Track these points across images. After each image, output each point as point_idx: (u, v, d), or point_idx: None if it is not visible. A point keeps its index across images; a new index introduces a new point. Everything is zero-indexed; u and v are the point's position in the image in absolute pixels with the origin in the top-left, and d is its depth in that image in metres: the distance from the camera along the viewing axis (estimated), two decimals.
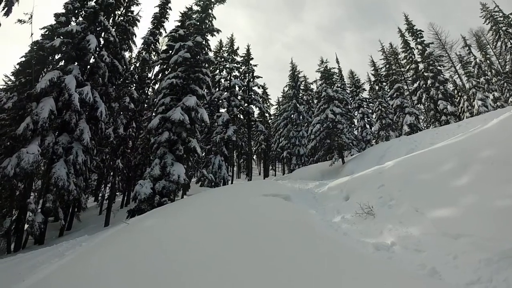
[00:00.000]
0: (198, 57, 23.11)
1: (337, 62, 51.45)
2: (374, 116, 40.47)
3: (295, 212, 9.68)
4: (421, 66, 37.68)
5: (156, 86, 27.71)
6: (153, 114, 22.61)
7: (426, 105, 37.05)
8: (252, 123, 37.49)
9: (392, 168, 10.84)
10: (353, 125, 40.12)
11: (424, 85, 36.67)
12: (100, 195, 31.72)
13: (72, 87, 19.06)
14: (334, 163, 27.55)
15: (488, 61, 41.92)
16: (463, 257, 5.47)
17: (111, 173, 26.65)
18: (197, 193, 17.84)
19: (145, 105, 30.51)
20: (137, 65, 30.84)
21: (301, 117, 46.73)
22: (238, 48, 40.75)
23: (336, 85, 39.19)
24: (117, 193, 32.30)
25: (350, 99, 43.48)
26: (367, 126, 41.58)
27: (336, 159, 27.53)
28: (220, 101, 35.59)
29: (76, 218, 24.48)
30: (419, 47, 38.77)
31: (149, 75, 31.07)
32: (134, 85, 29.49)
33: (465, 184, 7.56)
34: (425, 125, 39.30)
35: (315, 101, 33.05)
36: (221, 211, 9.35)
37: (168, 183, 19.02)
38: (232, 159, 41.89)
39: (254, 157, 61.75)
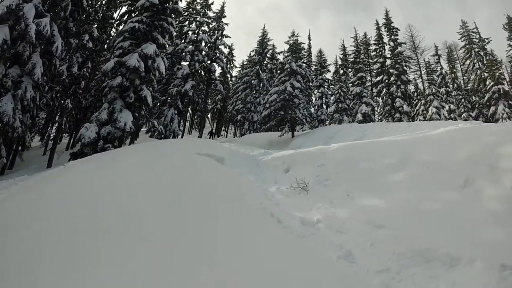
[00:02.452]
0: (167, 5, 22.16)
1: (309, 38, 51.30)
2: (332, 98, 41.06)
3: (226, 174, 9.68)
4: (388, 62, 38.39)
5: (120, 28, 26.43)
6: (112, 56, 21.60)
7: (384, 99, 38.06)
8: (212, 81, 36.70)
9: (336, 150, 11.10)
10: (310, 102, 40.44)
11: (386, 80, 37.49)
12: (46, 135, 30.28)
13: (30, 16, 17.53)
14: (284, 135, 27.92)
15: (453, 75, 43.42)
16: (379, 246, 5.75)
17: (59, 113, 25.48)
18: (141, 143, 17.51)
19: (105, 46, 29.15)
20: (103, 2, 29.10)
21: (261, 84, 46.56)
22: (212, 3, 39.19)
23: (302, 60, 39.25)
24: (64, 135, 31.08)
25: (313, 77, 43.64)
26: (324, 106, 42.14)
27: (286, 132, 27.87)
28: (184, 54, 34.37)
29: (19, 157, 23.37)
30: (392, 44, 39.40)
31: (115, 15, 29.47)
32: (97, 23, 27.86)
33: (399, 180, 7.99)
34: (378, 118, 40.46)
35: (278, 71, 32.94)
36: (145, 166, 9.02)
37: (114, 129, 18.44)
38: (186, 114, 41.17)
39: (209, 115, 61.21)
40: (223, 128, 59.46)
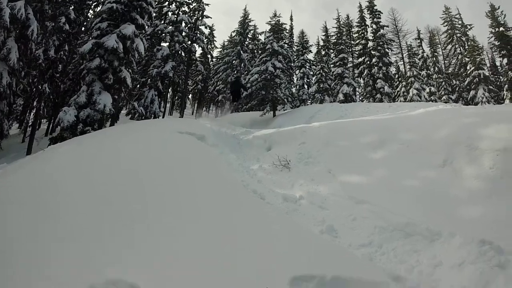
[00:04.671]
0: None
1: (291, 19, 51.26)
2: (314, 78, 41.14)
3: (207, 153, 9.64)
4: (370, 44, 38.52)
5: (98, 9, 25.62)
6: (90, 38, 21.02)
7: (365, 80, 38.35)
8: (193, 62, 36.11)
9: (317, 129, 11.19)
10: (292, 83, 40.46)
11: (368, 62, 37.71)
12: (25, 121, 29.49)
13: (4, 0, 16.95)
14: (265, 114, 28.01)
15: (434, 58, 43.86)
16: (361, 221, 5.90)
17: (37, 98, 24.83)
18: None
19: (83, 28, 28.32)
20: None
21: (242, 64, 46.27)
22: None
23: (284, 41, 39.04)
24: (43, 120, 30.30)
25: (295, 57, 43.57)
26: (305, 86, 42.18)
27: (268, 111, 27.95)
28: (164, 35, 33.58)
29: None
30: (374, 26, 39.45)
31: None
32: (73, 5, 26.83)
33: (379, 158, 8.18)
34: (360, 98, 40.79)
35: (260, 52, 32.76)
36: (128, 143, 8.92)
37: (93, 112, 18.09)
38: (167, 95, 40.54)
39: (190, 96, 60.54)
40: (204, 109, 59.08)
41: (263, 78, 28.29)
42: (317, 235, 5.34)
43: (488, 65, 42.98)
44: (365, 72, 37.87)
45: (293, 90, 39.34)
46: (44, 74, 24.53)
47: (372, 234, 5.47)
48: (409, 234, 5.29)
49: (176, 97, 49.67)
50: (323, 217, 6.19)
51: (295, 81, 43.07)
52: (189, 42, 35.08)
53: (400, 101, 36.30)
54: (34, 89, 24.28)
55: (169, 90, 40.31)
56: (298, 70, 43.09)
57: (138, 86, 31.51)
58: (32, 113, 28.11)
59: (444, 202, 6.18)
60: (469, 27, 42.52)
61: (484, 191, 6.36)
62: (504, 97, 34.33)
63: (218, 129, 13.99)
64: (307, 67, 43.06)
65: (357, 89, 39.96)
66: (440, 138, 8.07)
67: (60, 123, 17.73)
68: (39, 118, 26.23)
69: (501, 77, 39.89)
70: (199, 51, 40.06)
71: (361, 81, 40.41)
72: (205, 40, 37.76)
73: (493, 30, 37.03)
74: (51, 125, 28.46)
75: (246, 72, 43.09)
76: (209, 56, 50.62)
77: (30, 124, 26.77)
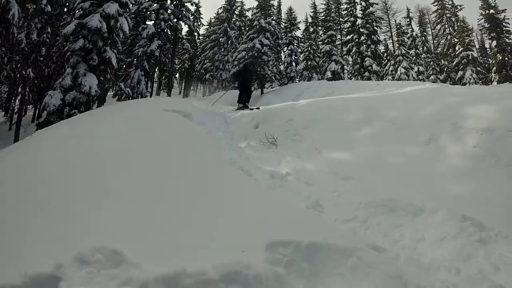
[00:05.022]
0: None
1: None
2: (302, 56, 40.96)
3: (194, 131, 9.64)
4: (359, 21, 38.36)
5: None
6: (73, 19, 20.45)
7: (353, 58, 38.34)
8: (179, 40, 35.40)
9: (304, 106, 11.27)
10: (280, 60, 40.24)
11: (357, 39, 37.64)
12: (10, 108, 28.88)
13: None
14: (253, 92, 27.89)
15: (423, 38, 43.94)
16: (346, 197, 6.03)
17: (22, 84, 24.30)
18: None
19: (65, 9, 27.53)
20: None
21: (229, 42, 45.77)
22: None
23: (271, 17, 38.63)
24: (29, 106, 29.75)
25: (283, 34, 43.17)
26: (293, 63, 41.90)
27: (256, 89, 27.83)
28: (148, 13, 32.70)
29: None
30: (363, 3, 39.13)
31: None
32: None
33: (365, 135, 8.34)
34: (348, 76, 40.85)
35: (247, 28, 32.42)
36: (112, 124, 8.84)
37: (79, 94, 17.75)
38: (153, 75, 39.83)
39: (177, 75, 59.67)
40: (191, 88, 58.47)
41: (250, 55, 28.02)
42: (303, 210, 5.43)
43: (477, 46, 43.33)
44: (354, 50, 37.84)
45: (281, 67, 39.15)
46: (28, 59, 24.07)
47: (357, 209, 5.59)
48: (393, 209, 5.43)
49: (163, 77, 49.00)
50: (309, 193, 6.29)
51: (283, 59, 42.79)
52: (175, 20, 34.41)
53: (388, 79, 36.41)
54: (18, 74, 23.81)
55: (156, 69, 39.65)
56: (286, 47, 42.79)
57: (124, 66, 30.98)
58: (17, 100, 27.63)
59: (428, 178, 6.34)
60: (459, 7, 42.56)
61: (467, 169, 6.54)
62: (492, 79, 34.68)
63: (206, 108, 13.99)
64: (295, 44, 42.78)
65: (345, 67, 39.96)
66: (426, 116, 8.22)
67: (46, 108, 17.41)
68: (25, 104, 25.94)
69: (489, 59, 40.27)
70: (185, 29, 39.34)
71: (350, 59, 40.37)
72: (191, 18, 37.07)
73: (483, 12, 37.12)
74: (37, 111, 28.05)
75: (233, 49, 42.68)
76: (195, 34, 49.98)
77: (16, 111, 26.34)
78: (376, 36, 38.10)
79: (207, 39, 51.54)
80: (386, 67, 40.40)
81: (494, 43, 35.48)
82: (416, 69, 37.86)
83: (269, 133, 9.51)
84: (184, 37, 40.44)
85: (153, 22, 32.53)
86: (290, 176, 7.17)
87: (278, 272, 2.73)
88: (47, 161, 5.17)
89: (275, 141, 9.25)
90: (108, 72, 20.29)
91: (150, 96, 34.60)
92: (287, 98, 19.47)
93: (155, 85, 43.58)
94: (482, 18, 37.63)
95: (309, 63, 38.37)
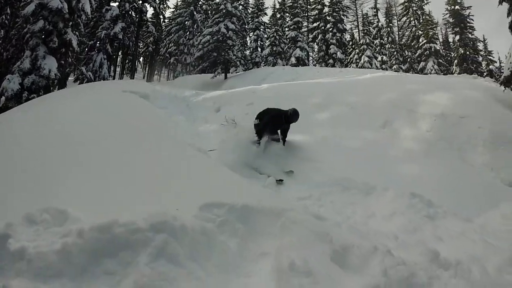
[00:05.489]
0: None
1: None
2: (267, 41, 41.04)
3: (154, 114, 9.63)
4: (326, 9, 38.77)
5: None
6: None
7: (319, 45, 38.78)
8: (144, 22, 34.53)
9: (266, 90, 11.45)
10: (245, 45, 40.24)
11: (323, 27, 38.07)
12: None
13: None
14: (217, 76, 27.77)
15: (389, 29, 44.85)
16: (303, 177, 6.22)
17: None
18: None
19: None
20: None
21: (195, 25, 45.13)
22: None
23: (239, 2, 38.48)
24: None
25: (249, 19, 43.06)
26: (259, 49, 41.92)
27: (219, 73, 27.75)
28: None
29: None
30: None
31: None
32: None
33: (324, 119, 8.66)
34: (312, 63, 41.29)
35: (213, 12, 32.16)
36: (67, 105, 8.72)
37: (38, 78, 17.13)
38: (116, 59, 38.72)
39: (141, 59, 58.21)
40: (155, 72, 57.41)
41: (215, 39, 27.91)
42: (261, 189, 5.55)
43: (441, 40, 44.64)
44: (319, 37, 38.25)
45: (247, 52, 39.18)
46: None
47: (312, 188, 5.82)
48: (347, 188, 5.70)
49: (127, 61, 47.80)
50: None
51: (248, 44, 42.76)
52: (140, 2, 33.53)
53: (352, 67, 37.00)
54: None
55: (119, 53, 38.57)
56: (252, 33, 42.75)
57: (86, 49, 29.85)
58: None
59: (382, 160, 6.69)
60: (426, 1, 43.61)
61: (420, 152, 6.94)
62: (453, 71, 35.81)
63: (168, 92, 13.89)
64: (262, 29, 42.82)
65: (310, 53, 40.40)
66: (383, 102, 8.62)
67: (4, 93, 16.83)
68: None
69: (452, 53, 41.51)
70: (150, 11, 38.45)
71: (315, 46, 40.79)
72: (157, 0, 36.45)
73: (449, 8, 38.36)
74: None
75: (199, 33, 42.22)
76: (161, 16, 48.79)
77: None
78: (343, 24, 38.68)
79: (172, 22, 50.53)
80: (351, 55, 40.98)
81: (457, 37, 36.72)
82: (379, 58, 38.70)
83: (230, 116, 9.62)
84: (149, 19, 39.55)
85: (117, 3, 31.62)
86: None
87: (206, 227, 2.88)
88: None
89: (235, 124, 9.38)
90: (69, 55, 19.64)
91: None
92: (251, 83, 19.59)
93: (118, 69, 42.54)
94: (447, 13, 38.89)
95: (275, 49, 38.49)
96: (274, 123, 7.29)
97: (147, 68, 55.38)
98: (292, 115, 7.06)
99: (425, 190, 5.49)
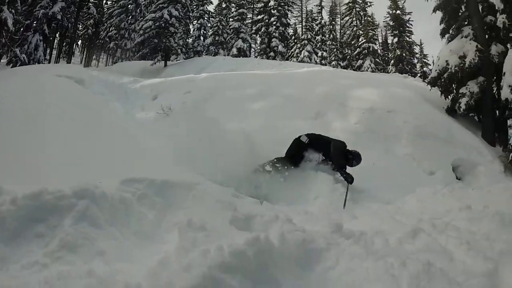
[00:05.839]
0: None
1: None
2: (210, 30, 40.96)
3: (90, 100, 9.48)
4: (272, 3, 39.15)
5: None
6: None
7: (261, 38, 39.20)
8: (85, 3, 33.39)
9: (204, 79, 11.64)
10: (188, 33, 39.92)
11: (267, 20, 38.49)
12: None
13: None
14: (156, 63, 27.33)
15: (331, 26, 46.32)
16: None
17: None
18: None
19: None
20: None
21: (139, 9, 43.88)
22: None
23: None
24: None
25: (194, 7, 42.70)
26: (202, 38, 41.83)
27: (159, 60, 27.35)
28: None
29: None
30: None
31: None
32: None
33: (260, 109, 9.01)
34: (254, 55, 41.73)
35: None
36: None
37: None
38: (53, 41, 36.83)
39: (79, 42, 55.79)
40: (94, 57, 55.35)
41: (157, 25, 27.40)
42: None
43: (380, 41, 46.68)
44: (263, 30, 38.66)
45: (189, 40, 38.92)
46: None
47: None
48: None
49: (64, 43, 45.80)
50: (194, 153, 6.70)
51: (191, 32, 42.46)
52: None
53: (293, 61, 37.81)
54: None
55: (57, 35, 36.92)
56: (196, 21, 42.42)
57: (21, 29, 28.37)
58: None
59: None
60: (369, 4, 45.46)
61: (348, 142, 7.39)
62: (389, 70, 37.62)
63: (106, 78, 13.68)
64: (206, 18, 42.65)
65: (252, 45, 40.81)
66: (317, 95, 9.10)
67: None
68: None
69: (389, 53, 43.48)
70: None
71: (258, 38, 41.22)
72: None
73: (390, 12, 40.28)
74: None
75: (142, 18, 41.27)
76: None
77: None
78: (287, 19, 39.30)
79: (115, 4, 48.79)
80: (292, 50, 41.86)
81: (396, 39, 38.64)
82: (320, 54, 39.83)
83: (167, 104, 9.70)
84: (91, 0, 38.37)
85: None
86: None
87: (125, 196, 3.08)
88: None
89: (171, 112, 9.48)
90: (3, 35, 18.58)
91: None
92: (190, 72, 19.57)
93: (54, 52, 40.70)
94: (388, 17, 40.87)
95: (217, 38, 38.48)
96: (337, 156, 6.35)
97: (85, 52, 53.15)
98: (355, 158, 6.32)
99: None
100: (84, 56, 51.86)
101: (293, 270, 2.68)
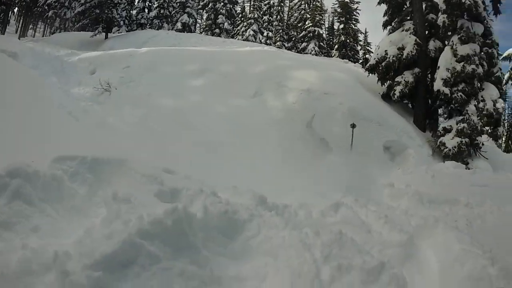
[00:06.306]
0: None
1: None
2: (156, 3, 39.85)
3: (23, 74, 9.15)
4: None
5: None
6: None
7: (208, 14, 38.73)
8: None
9: (144, 54, 11.38)
10: (132, 4, 38.60)
11: None
12: None
13: None
14: (97, 35, 26.22)
15: (280, 8, 46.45)
16: (186, 143, 6.58)
17: None
18: None
19: None
20: None
21: None
22: None
23: None
24: None
25: None
26: (146, 10, 40.57)
27: (100, 32, 26.24)
28: None
29: None
30: None
31: None
32: None
33: (198, 85, 9.01)
34: (199, 31, 41.19)
35: None
36: None
37: None
38: None
39: (15, 10, 52.34)
40: (30, 26, 52.22)
41: None
42: (124, 148, 5.68)
43: (326, 26, 47.49)
44: (210, 6, 38.11)
45: (133, 12, 37.68)
46: None
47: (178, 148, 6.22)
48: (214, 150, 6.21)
49: None
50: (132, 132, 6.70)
51: (136, 3, 41.06)
52: None
53: (238, 39, 37.74)
54: None
55: None
56: None
57: None
58: None
59: (248, 125, 7.30)
60: None
61: (284, 120, 7.65)
62: (333, 55, 38.49)
63: (41, 50, 13.02)
64: None
65: (198, 21, 40.24)
66: (256, 74, 9.25)
67: None
68: None
69: (334, 39, 44.40)
70: None
71: (204, 13, 40.70)
72: None
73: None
74: None
75: None
76: None
77: None
78: None
79: None
80: (238, 28, 41.67)
81: (342, 26, 39.64)
82: (265, 34, 39.92)
83: (105, 79, 9.45)
84: None
85: None
86: (118, 120, 7.48)
87: (57, 174, 3.12)
88: None
89: (109, 87, 9.26)
90: None
91: None
92: (131, 45, 19.03)
93: None
94: (337, 4, 41.69)
95: (162, 11, 37.40)
96: None
97: (21, 21, 50.05)
98: None
99: (283, 148, 6.28)
100: (20, 25, 48.81)
101: (216, 239, 2.88)
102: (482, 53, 9.77)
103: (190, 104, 8.10)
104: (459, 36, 9.57)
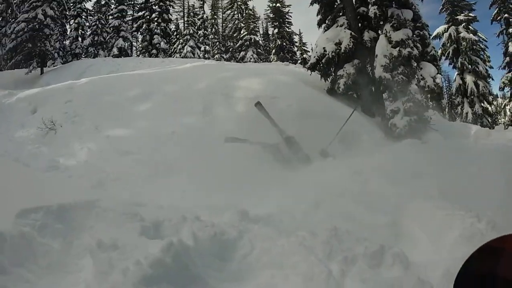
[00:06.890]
0: None
1: None
2: (89, 30, 38.95)
3: None
4: None
5: None
6: None
7: (143, 35, 38.35)
8: None
9: (84, 85, 11.09)
10: (65, 34, 37.46)
11: (148, 16, 37.76)
12: None
13: None
14: (32, 71, 25.24)
15: (213, 20, 46.90)
16: (131, 170, 6.42)
17: None
18: None
19: None
20: None
21: (10, 10, 39.48)
22: None
23: None
24: None
25: (71, 5, 40.05)
26: (80, 39, 39.48)
27: (35, 68, 25.27)
28: None
29: None
30: None
31: None
32: None
33: (144, 110, 8.92)
34: (136, 54, 40.57)
35: None
36: None
37: None
38: None
39: None
40: None
41: (30, 28, 24.83)
42: (88, 188, 5.47)
43: (261, 32, 48.49)
44: (144, 27, 37.78)
45: (66, 42, 36.56)
46: None
47: (136, 180, 6.11)
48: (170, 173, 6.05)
49: None
50: (91, 174, 6.53)
51: (68, 33, 39.84)
52: None
53: (176, 57, 37.57)
54: None
55: None
56: (73, 20, 39.79)
57: None
58: None
59: (202, 142, 7.28)
60: None
61: (239, 130, 7.64)
62: (271, 60, 39.31)
63: None
64: (84, 17, 40.23)
65: (134, 43, 39.70)
66: (201, 89, 9.36)
67: None
68: None
69: (271, 44, 45.42)
70: None
71: (139, 35, 40.23)
72: None
73: (270, 5, 42.48)
74: None
75: (13, 20, 37.55)
76: None
77: None
78: (168, 14, 38.82)
79: None
80: (175, 46, 41.57)
81: (276, 30, 40.86)
82: (203, 48, 40.15)
83: (48, 117, 9.10)
84: None
85: None
86: (67, 158, 7.33)
87: (24, 231, 2.79)
88: None
89: (54, 125, 8.93)
90: None
91: None
92: (69, 77, 18.44)
93: None
94: (269, 9, 42.86)
95: (96, 38, 36.53)
96: None
97: None
98: None
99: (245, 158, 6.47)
100: None
101: (213, 264, 2.79)
102: (415, 36, 10.57)
103: (138, 131, 8.03)
104: (391, 24, 10.07)
